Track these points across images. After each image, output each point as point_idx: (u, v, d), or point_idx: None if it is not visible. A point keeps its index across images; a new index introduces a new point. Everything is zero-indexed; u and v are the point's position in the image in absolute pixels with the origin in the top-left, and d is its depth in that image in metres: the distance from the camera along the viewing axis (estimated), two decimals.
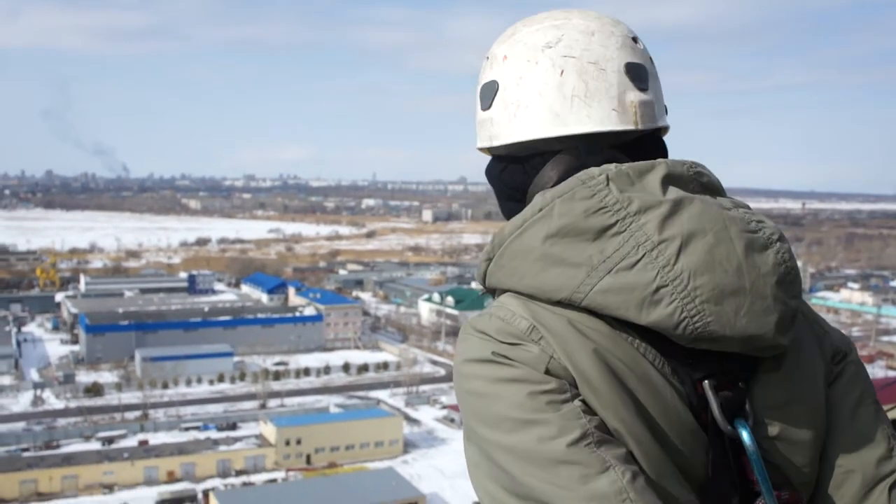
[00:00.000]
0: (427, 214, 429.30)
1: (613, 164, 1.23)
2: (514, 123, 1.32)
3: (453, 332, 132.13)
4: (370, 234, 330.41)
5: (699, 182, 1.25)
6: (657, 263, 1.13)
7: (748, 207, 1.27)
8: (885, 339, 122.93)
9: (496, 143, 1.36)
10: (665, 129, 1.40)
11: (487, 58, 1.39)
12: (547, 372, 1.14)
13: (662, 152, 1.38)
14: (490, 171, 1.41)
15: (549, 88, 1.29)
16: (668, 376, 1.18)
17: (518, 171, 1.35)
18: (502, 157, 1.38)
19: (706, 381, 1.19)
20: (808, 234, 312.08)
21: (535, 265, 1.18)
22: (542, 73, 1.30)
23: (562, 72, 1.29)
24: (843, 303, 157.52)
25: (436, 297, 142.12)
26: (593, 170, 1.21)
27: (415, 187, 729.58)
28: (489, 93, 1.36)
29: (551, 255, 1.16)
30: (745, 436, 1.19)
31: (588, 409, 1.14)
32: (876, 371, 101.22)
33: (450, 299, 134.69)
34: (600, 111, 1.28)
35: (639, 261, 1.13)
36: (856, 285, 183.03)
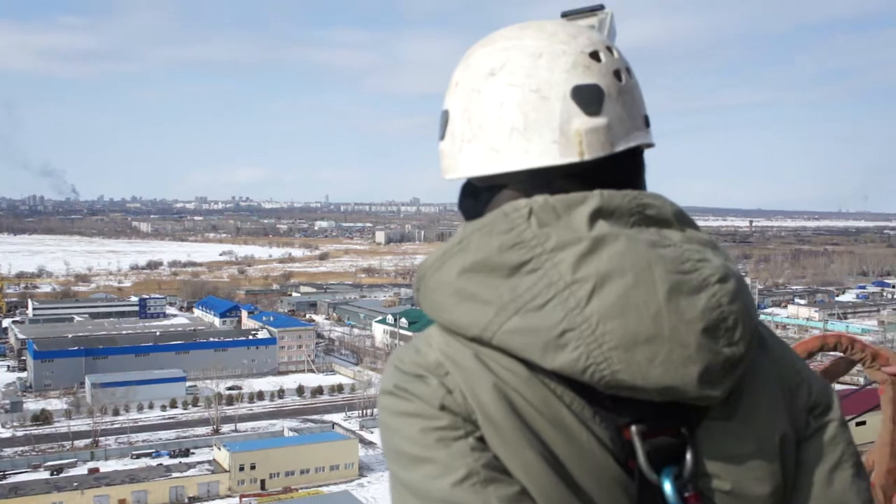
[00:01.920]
0: (380, 236, 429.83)
1: (542, 197, 1.16)
2: (459, 158, 1.26)
3: None
4: (323, 256, 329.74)
5: (643, 214, 1.17)
6: (566, 305, 1.07)
7: (704, 241, 1.20)
8: (832, 354, 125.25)
9: (448, 176, 1.29)
10: (645, 146, 1.30)
11: (449, 82, 1.31)
12: (442, 408, 1.11)
13: (639, 172, 1.29)
14: (458, 200, 1.34)
15: (489, 122, 1.22)
16: (586, 420, 1.12)
17: (471, 204, 1.29)
18: (464, 187, 1.32)
19: (633, 427, 1.13)
20: (756, 251, 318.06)
21: (451, 299, 1.14)
22: (484, 105, 1.22)
23: (501, 103, 1.21)
24: (790, 318, 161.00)
25: (389, 318, 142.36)
26: (519, 202, 1.15)
27: (368, 209, 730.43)
28: (443, 123, 1.30)
29: (464, 290, 1.12)
30: (667, 486, 1.12)
31: (482, 447, 1.10)
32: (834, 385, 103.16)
33: (403, 321, 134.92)
34: (539, 145, 1.19)
35: (548, 301, 1.07)
36: (802, 301, 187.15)
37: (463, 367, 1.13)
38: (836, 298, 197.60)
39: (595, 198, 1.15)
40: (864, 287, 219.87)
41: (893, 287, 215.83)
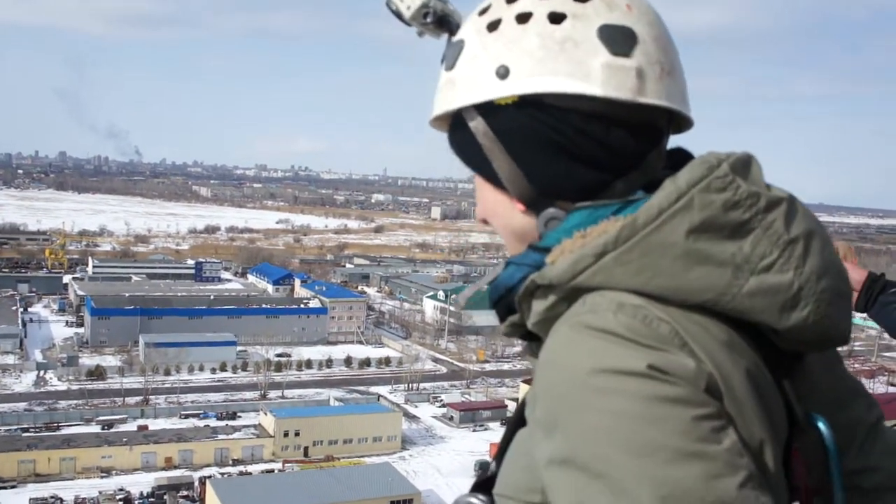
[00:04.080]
0: (436, 211, 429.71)
1: (722, 153, 1.11)
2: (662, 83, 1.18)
3: (456, 331, 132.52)
4: (378, 229, 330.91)
5: None
6: (791, 264, 1.06)
7: None
8: (888, 354, 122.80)
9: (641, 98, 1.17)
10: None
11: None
12: (707, 390, 1.00)
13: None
14: (584, 128, 1.15)
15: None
16: (769, 376, 1.11)
17: (628, 138, 1.17)
18: (596, 114, 1.16)
19: (785, 381, 1.14)
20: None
21: (678, 262, 1.04)
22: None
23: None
24: None
25: (441, 294, 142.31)
26: (713, 157, 1.09)
27: (425, 184, 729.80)
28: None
29: (696, 251, 1.04)
30: (822, 426, 1.15)
31: (743, 440, 1.01)
32: (877, 387, 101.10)
33: (454, 298, 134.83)
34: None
35: (776, 261, 1.06)
36: None
37: (698, 337, 1.04)
38: None
39: (753, 157, 1.13)
40: None
41: None
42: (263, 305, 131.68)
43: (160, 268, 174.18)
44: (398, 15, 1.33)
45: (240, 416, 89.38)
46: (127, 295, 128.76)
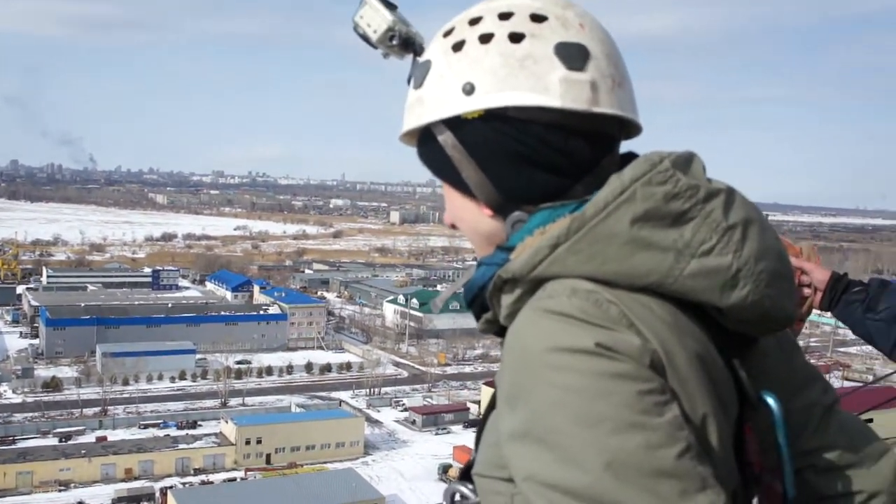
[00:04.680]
0: (395, 216, 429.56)
1: (665, 152, 1.21)
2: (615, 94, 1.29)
3: (417, 335, 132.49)
4: (337, 234, 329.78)
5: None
6: (730, 248, 1.15)
7: None
8: (842, 349, 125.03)
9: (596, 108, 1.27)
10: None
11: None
12: (651, 366, 1.09)
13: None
14: (545, 138, 1.25)
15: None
16: (718, 353, 1.20)
17: (585, 145, 1.27)
18: (555, 124, 1.26)
19: (735, 360, 1.22)
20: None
21: (623, 249, 1.14)
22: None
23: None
24: None
25: (401, 298, 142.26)
26: (655, 155, 1.20)
27: (383, 188, 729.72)
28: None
29: (640, 238, 1.14)
30: (771, 401, 1.23)
31: (684, 413, 1.10)
32: (833, 381, 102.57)
33: (414, 301, 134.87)
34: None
35: (715, 246, 1.14)
36: None
37: (644, 317, 1.13)
38: None
39: (695, 154, 1.24)
40: None
41: None
42: (222, 313, 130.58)
43: (116, 276, 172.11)
44: (365, 38, 1.42)
45: (200, 425, 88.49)
46: (83, 304, 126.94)
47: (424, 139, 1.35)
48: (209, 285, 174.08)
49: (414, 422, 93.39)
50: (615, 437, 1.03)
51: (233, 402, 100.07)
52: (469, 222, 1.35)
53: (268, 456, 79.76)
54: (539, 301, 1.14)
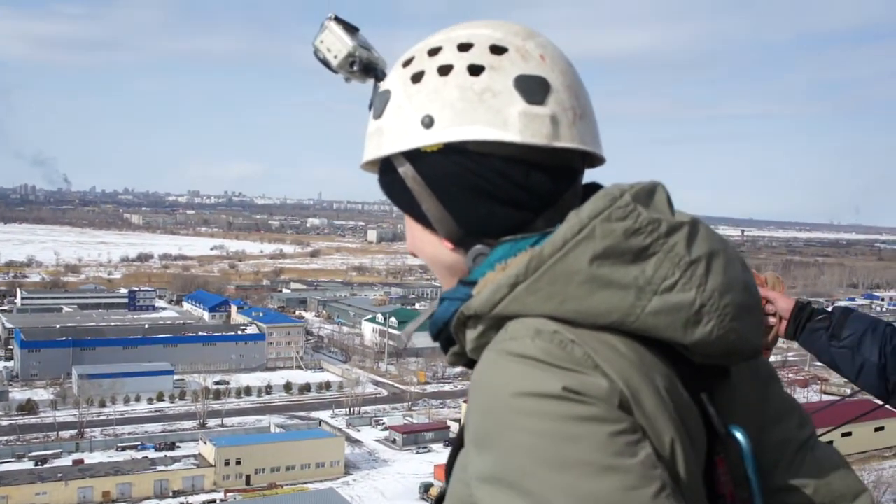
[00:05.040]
0: (372, 234, 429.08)
1: (626, 184, 1.20)
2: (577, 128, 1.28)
3: (396, 353, 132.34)
4: (314, 254, 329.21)
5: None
6: (693, 283, 1.13)
7: None
8: (820, 364, 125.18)
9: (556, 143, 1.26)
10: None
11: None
12: (620, 407, 1.07)
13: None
14: (505, 172, 1.24)
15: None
16: (685, 390, 1.18)
17: (546, 179, 1.25)
18: (515, 158, 1.24)
19: (702, 394, 1.21)
20: (747, 261, 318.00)
21: (583, 287, 1.12)
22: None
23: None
24: None
25: (379, 317, 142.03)
26: (616, 189, 1.18)
27: (360, 207, 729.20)
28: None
29: (600, 276, 1.12)
30: (739, 436, 1.22)
31: (657, 452, 1.09)
32: (810, 395, 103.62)
33: (393, 320, 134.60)
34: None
35: (677, 281, 1.13)
36: None
37: (608, 357, 1.11)
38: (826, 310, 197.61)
39: (661, 186, 1.22)
40: (853, 299, 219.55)
41: (883, 300, 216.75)
42: (200, 333, 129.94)
43: (92, 297, 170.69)
44: (325, 63, 1.40)
45: (179, 447, 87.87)
46: (58, 326, 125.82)
47: (385, 169, 1.33)
48: (186, 306, 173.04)
49: (394, 441, 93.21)
50: (589, 480, 1.01)
51: (211, 422, 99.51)
52: (430, 254, 1.33)
53: (247, 477, 79.30)
54: (502, 343, 1.12)
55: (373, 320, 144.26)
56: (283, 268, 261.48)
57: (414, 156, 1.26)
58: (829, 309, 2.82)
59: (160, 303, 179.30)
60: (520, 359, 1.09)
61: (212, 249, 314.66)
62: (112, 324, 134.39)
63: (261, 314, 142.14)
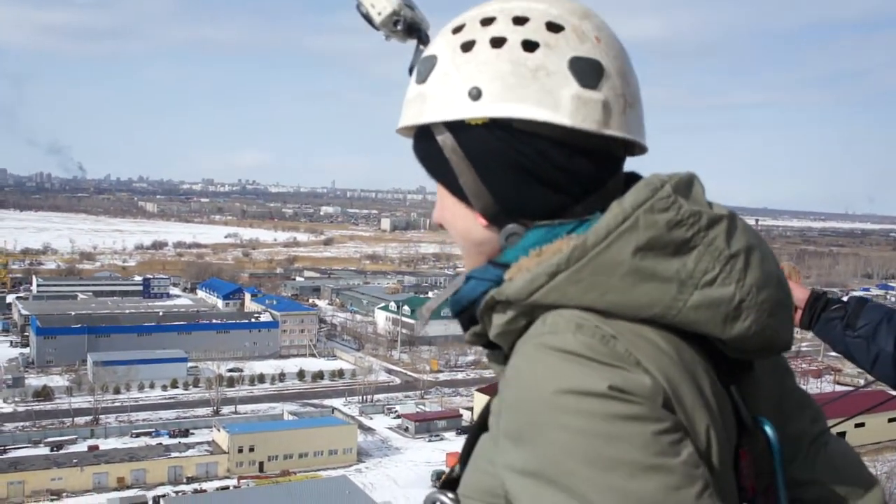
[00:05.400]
0: (385, 223, 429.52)
1: (665, 175, 1.18)
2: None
3: (409, 342, 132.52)
4: (328, 242, 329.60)
5: None
6: (732, 278, 1.13)
7: None
8: (833, 354, 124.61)
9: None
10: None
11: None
12: (665, 405, 1.07)
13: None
14: (548, 153, 1.20)
15: None
16: (718, 383, 1.18)
17: (588, 164, 1.22)
18: (560, 141, 1.20)
19: (732, 386, 1.21)
20: None
21: (626, 279, 1.11)
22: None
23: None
24: None
25: (392, 305, 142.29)
26: (656, 179, 1.16)
27: (374, 196, 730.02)
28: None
29: (643, 269, 1.11)
30: (768, 429, 1.23)
31: (698, 451, 1.08)
32: (824, 385, 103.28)
33: (406, 308, 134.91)
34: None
35: (718, 276, 1.12)
36: None
37: (648, 353, 1.10)
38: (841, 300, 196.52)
39: (695, 176, 1.20)
40: (868, 289, 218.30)
41: None
42: (213, 321, 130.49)
43: (107, 285, 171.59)
44: (367, 18, 1.36)
45: (193, 433, 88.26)
46: (73, 313, 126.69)
47: (422, 135, 1.28)
48: (200, 293, 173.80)
49: (407, 429, 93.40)
50: (633, 480, 1.00)
51: (225, 410, 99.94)
52: (460, 228, 1.29)
53: (261, 464, 79.66)
54: (541, 336, 1.10)
55: (386, 308, 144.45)
56: (296, 256, 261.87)
57: (456, 126, 1.22)
58: (845, 299, 2.80)
59: (174, 290, 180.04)
60: (562, 354, 1.07)
61: (226, 237, 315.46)
62: (127, 311, 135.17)
63: (274, 302, 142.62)
